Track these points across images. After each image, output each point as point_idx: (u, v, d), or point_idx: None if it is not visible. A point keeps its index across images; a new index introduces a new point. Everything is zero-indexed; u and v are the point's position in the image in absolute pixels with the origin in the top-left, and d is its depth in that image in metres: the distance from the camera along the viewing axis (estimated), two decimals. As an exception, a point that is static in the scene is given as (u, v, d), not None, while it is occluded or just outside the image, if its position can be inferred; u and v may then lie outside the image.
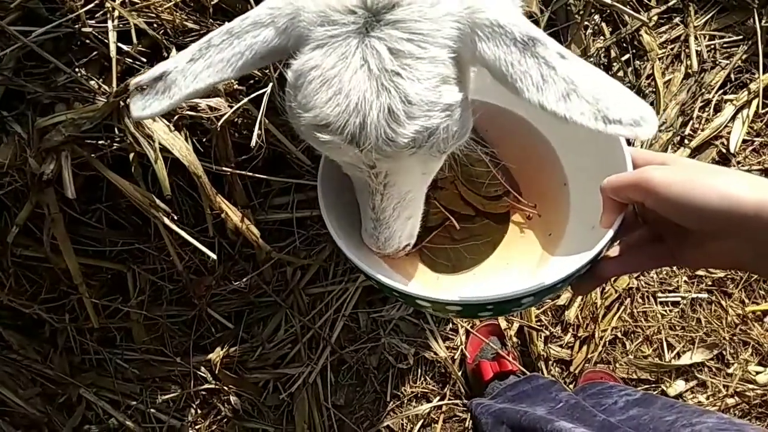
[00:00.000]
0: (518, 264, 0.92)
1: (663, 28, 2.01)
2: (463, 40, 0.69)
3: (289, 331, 1.83)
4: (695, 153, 1.95)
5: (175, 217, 1.40)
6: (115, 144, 1.33)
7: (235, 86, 1.41)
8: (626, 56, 1.96)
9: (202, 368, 1.78)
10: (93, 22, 1.26)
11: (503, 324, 1.89)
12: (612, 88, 0.65)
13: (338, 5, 0.68)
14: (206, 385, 1.77)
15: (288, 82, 0.73)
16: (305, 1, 0.70)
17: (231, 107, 1.36)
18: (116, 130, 1.30)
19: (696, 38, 1.98)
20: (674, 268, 1.93)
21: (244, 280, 1.73)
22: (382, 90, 0.67)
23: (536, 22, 1.82)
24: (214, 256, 1.40)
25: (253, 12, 0.74)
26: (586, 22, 1.89)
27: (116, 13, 1.25)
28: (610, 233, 0.73)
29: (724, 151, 1.95)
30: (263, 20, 0.73)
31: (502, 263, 0.93)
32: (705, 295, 1.90)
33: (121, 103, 1.25)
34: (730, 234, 0.63)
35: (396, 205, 0.80)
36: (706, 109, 1.97)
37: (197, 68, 0.73)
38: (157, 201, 1.37)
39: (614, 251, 0.78)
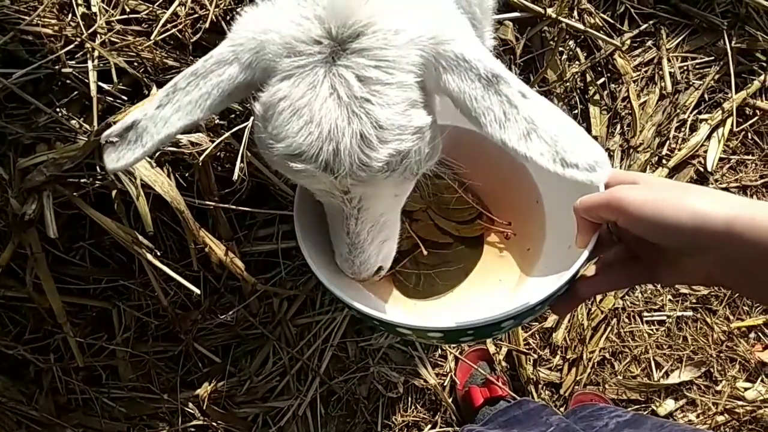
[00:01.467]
0: (496, 287, 0.93)
1: (636, 52, 2.05)
2: (427, 68, 0.71)
3: (277, 364, 1.82)
4: (673, 172, 1.98)
5: (159, 253, 1.40)
6: (97, 182, 1.33)
7: (217, 121, 1.42)
8: (601, 80, 2.00)
9: (190, 404, 1.76)
10: (73, 62, 1.27)
11: (492, 348, 1.89)
12: (570, 130, 0.67)
13: (303, 36, 0.69)
14: (194, 422, 1.75)
15: (256, 115, 0.74)
16: (269, 35, 0.71)
17: (212, 142, 1.37)
18: (98, 168, 1.31)
19: (669, 60, 2.02)
20: (658, 287, 1.95)
21: (231, 313, 1.72)
22: (353, 116, 0.68)
23: (512, 50, 1.86)
24: (198, 291, 1.40)
25: (215, 51, 0.75)
26: (561, 48, 1.93)
27: (96, 53, 1.27)
28: (586, 253, 0.74)
29: (701, 169, 1.98)
30: (226, 58, 0.74)
31: (480, 287, 0.94)
32: (690, 313, 1.91)
33: (102, 142, 1.25)
34: (702, 250, 0.63)
35: (370, 228, 0.81)
36: (682, 129, 2.00)
37: (166, 113, 0.74)
38: (140, 237, 1.37)
39: (591, 271, 0.79)
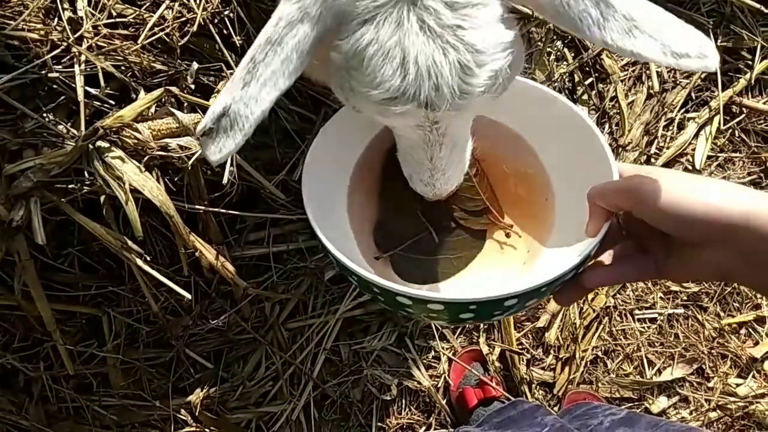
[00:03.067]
0: (500, 273, 0.92)
1: (624, 52, 2.06)
2: None
3: (270, 368, 1.81)
4: (662, 171, 1.99)
5: (149, 258, 1.39)
6: (85, 187, 1.32)
7: (206, 125, 1.41)
8: (589, 80, 2.01)
9: (182, 410, 1.74)
10: (60, 67, 1.26)
11: (485, 349, 1.89)
12: (671, 21, 0.66)
13: None
14: (187, 428, 1.74)
15: (337, 65, 0.72)
16: None
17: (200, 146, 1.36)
18: (86, 173, 1.29)
19: (656, 60, 2.03)
20: (649, 284, 1.95)
21: (222, 318, 1.71)
22: (448, 47, 0.66)
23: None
24: (189, 296, 1.39)
25: (283, 12, 0.72)
26: (548, 48, 1.94)
27: (83, 58, 1.26)
28: (596, 240, 0.73)
29: (690, 167, 2.00)
30: (295, 17, 0.71)
31: (483, 272, 0.93)
32: (681, 311, 1.92)
33: (90, 146, 1.25)
34: (717, 243, 0.63)
35: (452, 150, 0.80)
36: (670, 128, 2.02)
37: (254, 91, 0.71)
38: (130, 243, 1.36)
39: (598, 263, 0.79)
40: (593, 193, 0.73)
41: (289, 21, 0.71)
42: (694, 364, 1.88)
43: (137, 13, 1.31)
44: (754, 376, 1.87)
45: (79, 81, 1.25)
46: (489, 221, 0.97)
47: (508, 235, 0.97)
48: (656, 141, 2.00)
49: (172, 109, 1.32)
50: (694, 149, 2.00)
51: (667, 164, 1.99)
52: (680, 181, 0.66)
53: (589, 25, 0.66)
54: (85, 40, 1.25)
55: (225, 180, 1.36)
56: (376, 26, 0.67)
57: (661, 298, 1.94)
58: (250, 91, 0.71)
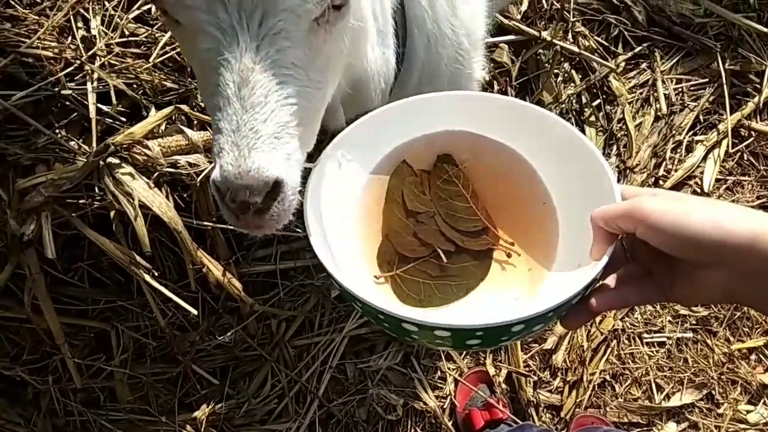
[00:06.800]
0: (502, 297, 0.91)
1: (631, 74, 2.07)
2: None
3: (275, 386, 1.81)
4: (671, 193, 1.99)
5: (157, 274, 1.41)
6: (95, 203, 1.35)
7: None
8: (597, 101, 2.02)
9: (188, 426, 1.75)
10: (73, 84, 1.30)
11: (492, 371, 1.88)
12: None
13: None
14: (192, 444, 1.74)
15: None
16: None
17: (210, 162, 1.38)
18: (96, 189, 1.32)
19: (663, 82, 2.04)
20: (658, 307, 1.94)
21: (229, 334, 1.72)
22: None
23: (507, 72, 1.89)
24: (195, 312, 1.40)
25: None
26: (556, 70, 1.96)
27: (95, 75, 1.29)
28: (602, 263, 0.72)
29: (698, 190, 1.99)
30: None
31: (484, 296, 0.92)
32: (690, 335, 1.90)
33: (101, 163, 1.27)
34: (722, 265, 0.63)
35: (270, 89, 0.67)
36: (678, 150, 2.02)
37: None
38: (138, 258, 1.38)
39: (603, 286, 0.78)
40: (596, 216, 0.72)
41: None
42: (703, 390, 1.86)
43: (149, 32, 1.35)
44: (765, 403, 1.83)
45: (92, 98, 1.29)
46: (489, 241, 0.97)
47: (509, 255, 0.96)
48: (664, 163, 2.00)
49: (182, 127, 1.35)
50: (702, 172, 2.00)
51: (675, 186, 1.99)
52: (685, 202, 0.66)
53: None
54: (98, 58, 1.28)
55: (232, 197, 1.38)
56: None
57: (669, 321, 1.92)
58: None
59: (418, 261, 0.95)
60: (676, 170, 1.99)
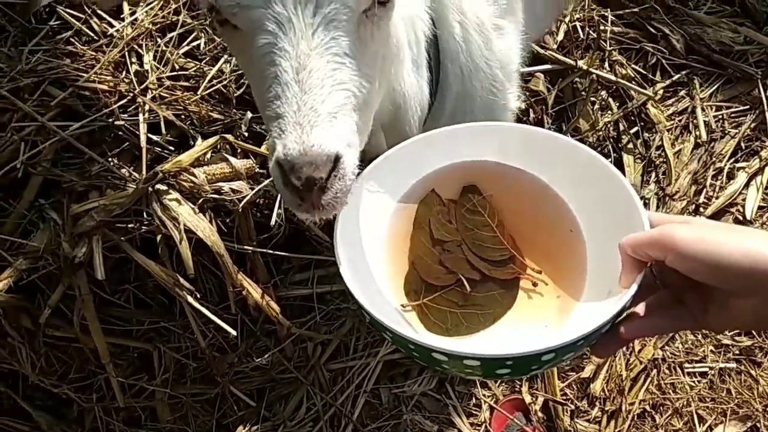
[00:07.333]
0: (531, 326, 0.92)
1: (669, 101, 2.06)
2: None
3: (311, 409, 1.82)
4: (711, 220, 1.96)
5: (199, 296, 1.45)
6: (143, 227, 1.41)
7: (257, 169, 1.49)
8: (635, 129, 2.01)
9: (225, 447, 1.78)
10: (125, 115, 1.36)
11: (528, 398, 1.86)
12: None
13: None
14: (229, 465, 1.77)
15: None
16: None
17: (252, 189, 1.43)
18: (144, 214, 1.38)
19: (703, 109, 2.03)
20: (699, 336, 1.90)
21: (266, 356, 1.75)
22: None
23: (543, 101, 1.90)
24: (234, 333, 1.44)
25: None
26: (592, 98, 1.96)
27: (147, 107, 1.36)
28: (631, 291, 0.72)
29: (740, 218, 1.95)
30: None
31: (512, 325, 0.92)
32: (733, 365, 1.85)
33: (150, 189, 1.33)
34: (753, 292, 0.63)
35: (326, 73, 0.72)
36: (719, 177, 1.99)
37: None
38: (182, 280, 1.42)
39: (633, 314, 0.77)
40: (625, 244, 0.73)
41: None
42: (748, 422, 1.80)
43: (198, 66, 1.41)
44: (813, 437, 1.77)
45: (143, 128, 1.35)
46: (515, 270, 0.97)
47: (535, 284, 0.96)
48: (705, 190, 1.97)
49: (227, 155, 1.40)
50: (744, 199, 1.96)
51: (716, 214, 1.96)
52: (714, 229, 0.66)
53: None
54: (149, 91, 1.35)
55: (273, 222, 1.42)
56: None
57: (711, 351, 1.88)
58: None
59: (444, 290, 0.95)
60: (717, 197, 1.96)
